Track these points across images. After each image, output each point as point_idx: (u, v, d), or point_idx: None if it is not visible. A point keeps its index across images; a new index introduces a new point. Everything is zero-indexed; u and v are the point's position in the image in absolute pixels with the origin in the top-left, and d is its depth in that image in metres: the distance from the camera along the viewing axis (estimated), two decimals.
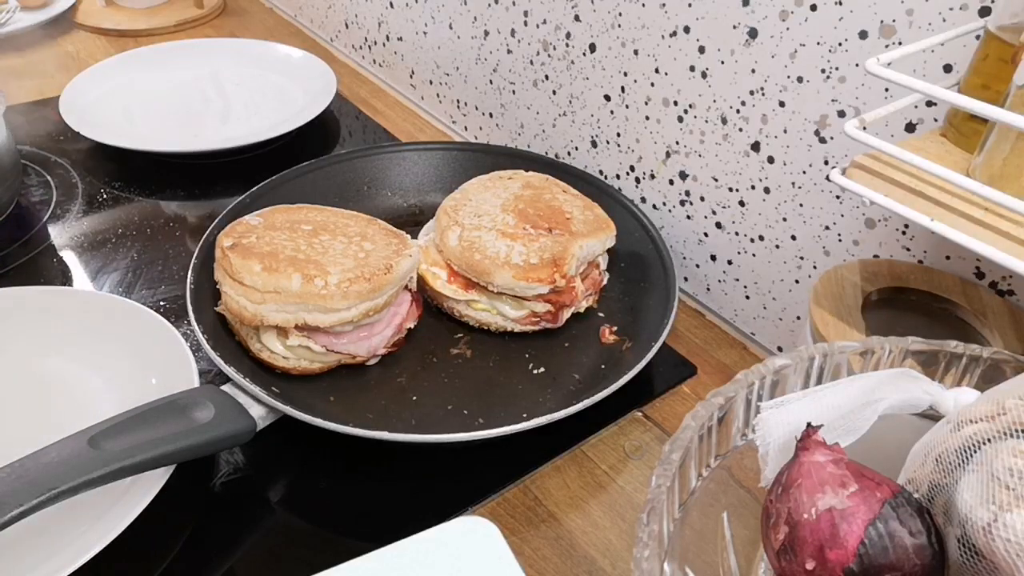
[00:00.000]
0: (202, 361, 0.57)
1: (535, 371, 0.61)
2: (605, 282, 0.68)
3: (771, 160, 0.60)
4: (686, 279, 0.72)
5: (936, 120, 0.49)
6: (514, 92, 0.83)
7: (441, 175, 0.79)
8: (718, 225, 0.67)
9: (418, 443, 0.53)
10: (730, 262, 0.67)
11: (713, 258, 0.69)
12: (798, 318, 0.63)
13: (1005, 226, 0.37)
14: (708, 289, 0.71)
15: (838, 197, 0.57)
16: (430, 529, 0.37)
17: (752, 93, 0.59)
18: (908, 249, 0.54)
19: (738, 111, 0.61)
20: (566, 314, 0.63)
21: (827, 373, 0.41)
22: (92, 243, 0.74)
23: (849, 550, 0.30)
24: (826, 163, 0.56)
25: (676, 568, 0.37)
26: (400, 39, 0.98)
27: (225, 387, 0.53)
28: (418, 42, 0.95)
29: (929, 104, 0.49)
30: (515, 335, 0.63)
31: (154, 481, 0.47)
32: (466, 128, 0.94)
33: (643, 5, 0.65)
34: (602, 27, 0.70)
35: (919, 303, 0.50)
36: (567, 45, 0.74)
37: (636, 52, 0.67)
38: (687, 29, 0.62)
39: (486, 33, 0.83)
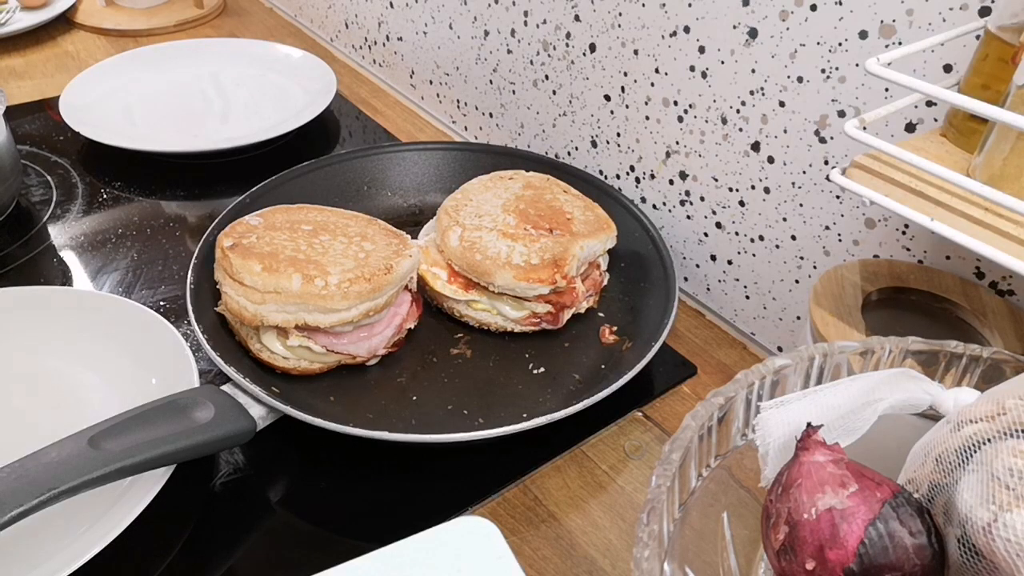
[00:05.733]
0: (202, 361, 0.57)
1: (535, 371, 0.61)
2: (605, 282, 0.68)
3: (771, 160, 0.60)
4: (686, 279, 0.72)
5: (936, 120, 0.49)
6: (514, 92, 0.83)
7: (441, 175, 0.79)
8: (718, 225, 0.67)
9: (418, 443, 0.53)
10: (730, 262, 0.67)
11: (713, 258, 0.69)
12: (798, 318, 0.63)
13: (1005, 226, 0.37)
14: (708, 289, 0.71)
15: (838, 197, 0.57)
16: (430, 529, 0.37)
17: (752, 93, 0.59)
18: (908, 249, 0.54)
19: (738, 111, 0.61)
20: (566, 315, 0.63)
21: (827, 373, 0.41)
22: (92, 243, 0.74)
23: (849, 550, 0.30)
24: (826, 163, 0.56)
25: (676, 568, 0.37)
26: (400, 39, 0.98)
27: (225, 387, 0.53)
28: (418, 42, 0.95)
29: (929, 104, 0.49)
30: (515, 335, 0.63)
31: (154, 481, 0.47)
32: (466, 128, 0.94)
33: (643, 5, 0.65)
34: (602, 27, 0.70)
35: (919, 303, 0.50)
36: (567, 45, 0.74)
37: (636, 52, 0.67)
38: (687, 29, 0.62)
39: (486, 33, 0.83)
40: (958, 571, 0.30)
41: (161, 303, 0.67)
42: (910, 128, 0.51)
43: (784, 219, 0.61)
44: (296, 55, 1.03)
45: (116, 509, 0.46)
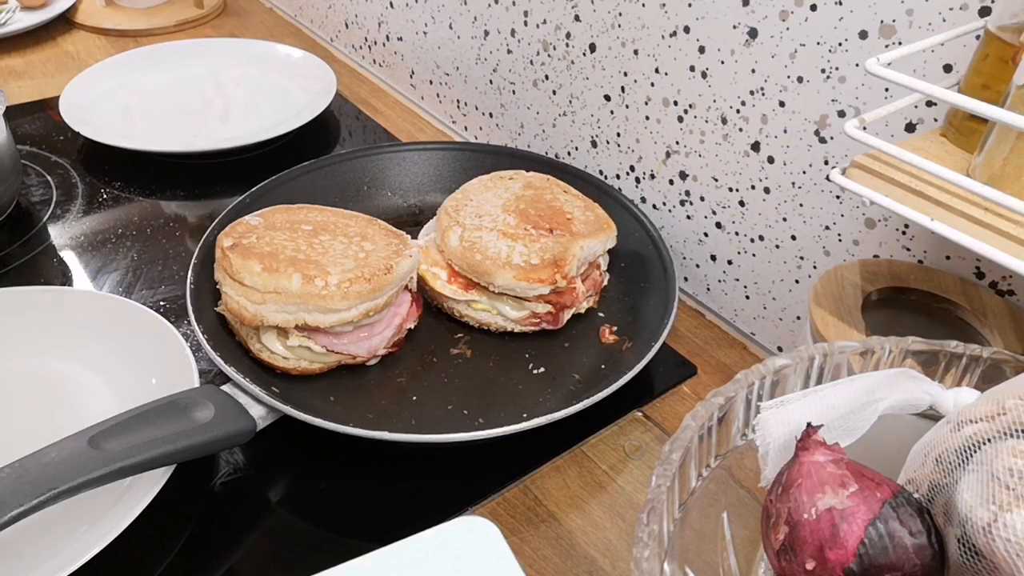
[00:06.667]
0: (202, 361, 0.57)
1: (535, 371, 0.61)
2: (606, 283, 0.68)
3: (771, 160, 0.60)
4: (686, 279, 0.72)
5: (936, 120, 0.49)
6: (514, 92, 0.83)
7: (441, 175, 0.79)
8: (718, 225, 0.67)
9: (418, 443, 0.53)
10: (730, 262, 0.67)
11: (713, 258, 0.69)
12: (798, 318, 0.63)
13: (1005, 226, 0.37)
14: (708, 289, 0.71)
15: (838, 197, 0.57)
16: (430, 529, 0.37)
17: (752, 93, 0.59)
18: (908, 249, 0.54)
19: (738, 111, 0.61)
20: (566, 315, 0.63)
21: (827, 373, 0.41)
22: (92, 243, 0.74)
23: (849, 550, 0.30)
24: (826, 163, 0.56)
25: (676, 568, 0.37)
26: (400, 39, 0.98)
27: (225, 387, 0.53)
28: (418, 42, 0.95)
29: (929, 104, 0.49)
30: (515, 335, 0.63)
31: (154, 481, 0.47)
32: (466, 128, 0.94)
33: (643, 5, 0.65)
34: (602, 27, 0.70)
35: (919, 303, 0.50)
36: (567, 45, 0.74)
37: (636, 52, 0.67)
38: (687, 29, 0.62)
39: (486, 33, 0.83)
40: (958, 571, 0.30)
41: (161, 303, 0.67)
42: (910, 128, 0.51)
43: (784, 219, 0.61)
44: (296, 55, 1.03)
45: (116, 509, 0.46)
